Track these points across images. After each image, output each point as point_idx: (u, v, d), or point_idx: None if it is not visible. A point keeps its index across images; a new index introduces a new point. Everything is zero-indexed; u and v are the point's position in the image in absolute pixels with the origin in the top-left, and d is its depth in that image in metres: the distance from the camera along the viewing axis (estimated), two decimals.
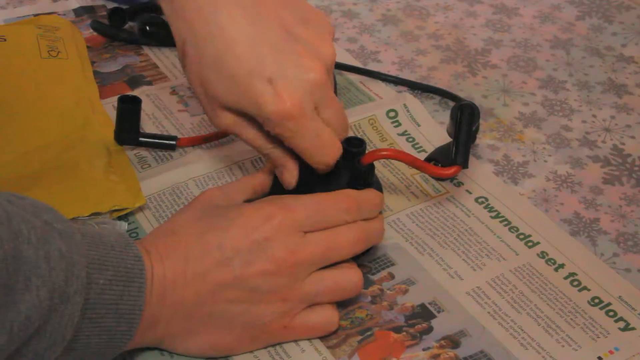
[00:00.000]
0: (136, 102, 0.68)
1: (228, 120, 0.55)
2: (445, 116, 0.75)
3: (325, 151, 0.55)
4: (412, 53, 0.86)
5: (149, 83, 0.80)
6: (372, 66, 0.84)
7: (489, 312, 0.57)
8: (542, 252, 0.62)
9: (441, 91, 0.80)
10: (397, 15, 0.93)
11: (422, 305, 0.58)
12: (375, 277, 0.60)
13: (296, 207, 0.53)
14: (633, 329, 0.56)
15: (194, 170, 0.68)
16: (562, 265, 0.61)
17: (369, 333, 0.56)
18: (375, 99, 0.79)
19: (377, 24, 0.91)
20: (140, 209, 0.64)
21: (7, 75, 0.75)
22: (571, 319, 0.57)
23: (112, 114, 0.71)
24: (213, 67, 0.53)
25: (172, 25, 0.56)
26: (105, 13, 0.90)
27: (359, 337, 0.55)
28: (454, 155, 0.61)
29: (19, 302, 0.40)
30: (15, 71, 0.76)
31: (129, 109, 0.68)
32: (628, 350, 0.55)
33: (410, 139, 0.74)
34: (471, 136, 0.64)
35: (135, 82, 0.80)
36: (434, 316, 0.57)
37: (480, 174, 0.70)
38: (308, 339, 0.55)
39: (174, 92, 0.79)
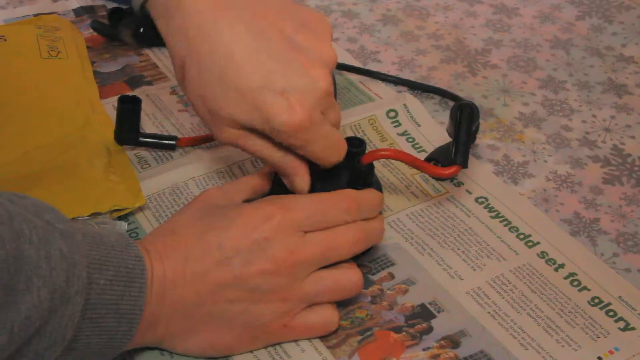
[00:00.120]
0: (136, 102, 0.68)
1: (233, 134, 0.55)
2: (445, 116, 0.75)
3: (335, 151, 0.56)
4: (412, 53, 0.86)
5: (149, 83, 0.80)
6: (372, 66, 0.84)
7: (489, 312, 0.57)
8: (542, 252, 0.62)
9: (441, 91, 0.80)
10: (397, 15, 0.93)
11: (422, 305, 0.58)
12: (375, 277, 0.60)
13: (296, 207, 0.53)
14: (633, 329, 0.56)
15: (194, 170, 0.68)
16: (562, 265, 0.61)
17: (369, 333, 0.56)
18: (375, 99, 0.79)
19: (377, 24, 0.91)
20: (140, 209, 0.64)
21: (7, 75, 0.75)
22: (571, 319, 0.57)
23: (112, 114, 0.71)
24: (218, 83, 0.52)
25: (169, 44, 0.55)
26: (105, 13, 0.90)
27: (359, 337, 0.55)
28: (454, 155, 0.61)
29: (19, 302, 0.40)
30: (15, 71, 0.76)
31: (129, 109, 0.68)
32: (628, 350, 0.55)
33: (410, 139, 0.73)
34: (471, 136, 0.64)
35: (135, 82, 0.80)
36: (434, 316, 0.57)
37: (480, 174, 0.70)
38: (308, 339, 0.55)
39: (174, 92, 0.79)
